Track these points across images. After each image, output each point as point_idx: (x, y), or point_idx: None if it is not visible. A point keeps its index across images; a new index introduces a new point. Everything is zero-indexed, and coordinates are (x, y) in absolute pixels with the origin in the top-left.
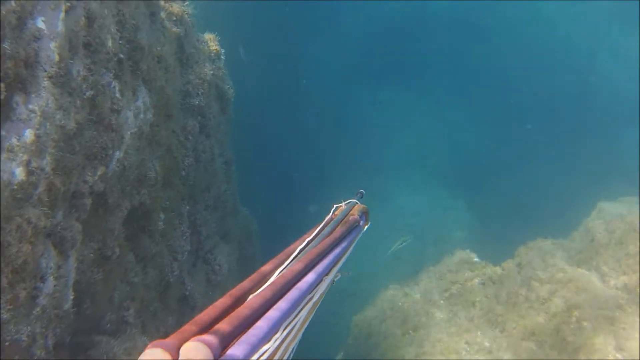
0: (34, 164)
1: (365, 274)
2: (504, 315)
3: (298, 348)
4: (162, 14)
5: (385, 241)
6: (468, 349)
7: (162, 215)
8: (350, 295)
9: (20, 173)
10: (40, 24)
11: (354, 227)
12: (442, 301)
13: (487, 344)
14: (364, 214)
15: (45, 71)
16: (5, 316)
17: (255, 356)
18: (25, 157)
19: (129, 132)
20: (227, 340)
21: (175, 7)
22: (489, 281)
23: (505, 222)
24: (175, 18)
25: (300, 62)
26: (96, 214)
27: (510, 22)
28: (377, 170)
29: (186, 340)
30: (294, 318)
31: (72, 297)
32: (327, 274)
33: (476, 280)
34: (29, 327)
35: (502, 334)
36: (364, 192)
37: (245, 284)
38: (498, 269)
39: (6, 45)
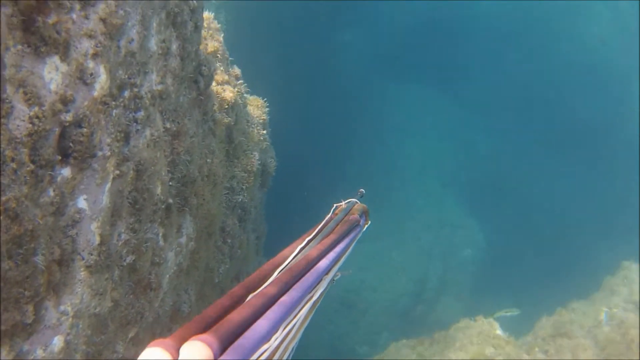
0: None
1: (367, 286)
2: None
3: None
4: (215, 107)
5: (391, 253)
6: None
7: None
8: (348, 307)
9: None
10: (82, 203)
11: (354, 227)
12: None
13: None
14: (364, 213)
15: (83, 259)
16: None
17: (255, 355)
18: None
19: (167, 276)
20: (227, 339)
21: (228, 92)
22: None
23: (516, 249)
24: (227, 106)
25: (330, 48)
26: None
27: (557, 43)
28: (391, 173)
29: (186, 339)
30: (294, 317)
31: None
32: (326, 274)
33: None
34: None
35: None
36: (364, 191)
37: (246, 283)
38: (523, 354)
39: (37, 259)
